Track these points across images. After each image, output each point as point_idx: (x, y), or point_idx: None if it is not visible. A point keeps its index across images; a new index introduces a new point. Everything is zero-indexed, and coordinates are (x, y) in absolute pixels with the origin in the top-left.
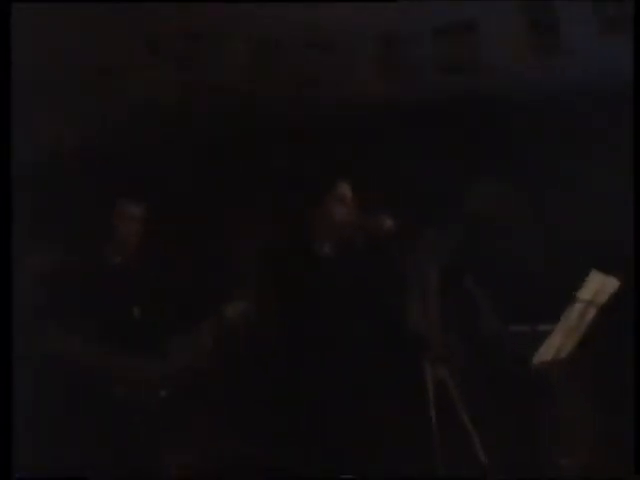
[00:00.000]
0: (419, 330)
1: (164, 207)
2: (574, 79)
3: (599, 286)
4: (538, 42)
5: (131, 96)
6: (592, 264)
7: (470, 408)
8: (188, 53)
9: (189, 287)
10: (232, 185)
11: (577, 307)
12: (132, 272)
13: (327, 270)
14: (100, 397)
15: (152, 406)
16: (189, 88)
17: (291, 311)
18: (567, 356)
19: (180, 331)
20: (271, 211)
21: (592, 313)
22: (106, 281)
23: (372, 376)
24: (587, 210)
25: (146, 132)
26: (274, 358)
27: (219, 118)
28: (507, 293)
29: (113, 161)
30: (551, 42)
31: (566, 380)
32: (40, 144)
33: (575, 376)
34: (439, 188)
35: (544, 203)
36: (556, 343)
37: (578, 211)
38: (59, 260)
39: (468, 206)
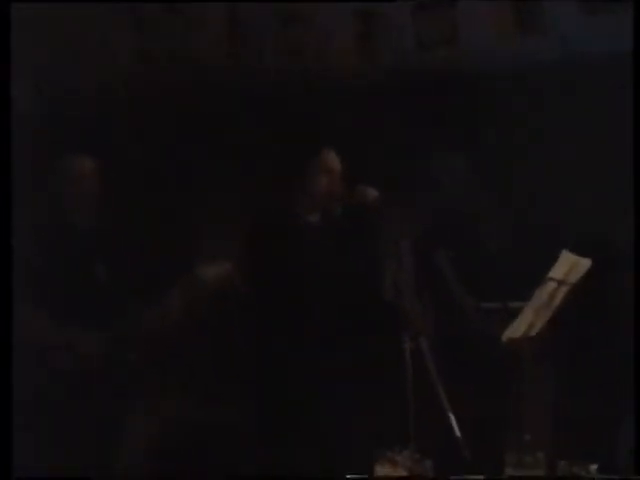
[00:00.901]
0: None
1: (146, 170)
2: (553, 58)
3: (570, 266)
4: (519, 19)
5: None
6: (564, 244)
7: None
8: (169, 24)
9: (161, 249)
10: (215, 152)
11: (548, 286)
12: (96, 232)
13: (310, 238)
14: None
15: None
16: (170, 58)
17: (271, 278)
18: (537, 334)
19: (149, 292)
20: (255, 179)
21: (563, 292)
22: (69, 242)
23: (350, 347)
24: (560, 191)
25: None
26: (250, 324)
27: (204, 86)
28: (479, 270)
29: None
30: (532, 20)
31: (534, 357)
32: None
33: (543, 354)
34: (412, 161)
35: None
36: (526, 321)
37: (550, 190)
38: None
39: (437, 180)
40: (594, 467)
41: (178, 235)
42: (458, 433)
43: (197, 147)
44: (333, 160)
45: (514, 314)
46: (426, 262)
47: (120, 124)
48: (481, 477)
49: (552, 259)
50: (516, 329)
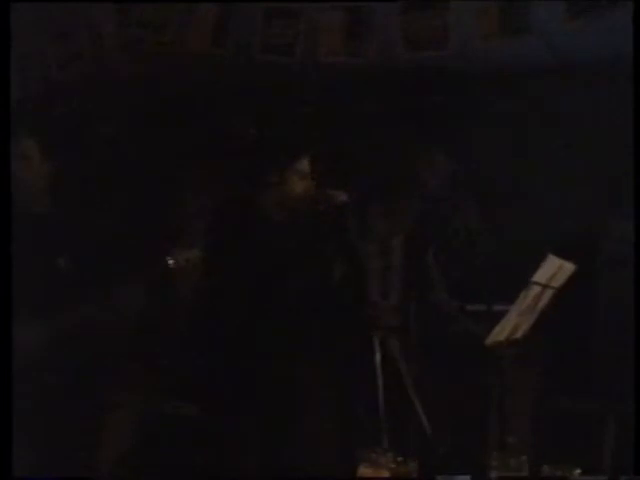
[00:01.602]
0: (370, 302)
1: (118, 159)
2: (539, 60)
3: (555, 270)
4: (506, 21)
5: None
6: (550, 247)
7: (420, 382)
8: (153, 17)
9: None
10: (191, 144)
11: (533, 289)
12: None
13: (278, 236)
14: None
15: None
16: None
17: (237, 274)
18: (521, 337)
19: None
20: (224, 173)
21: (548, 296)
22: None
23: (318, 345)
24: (545, 193)
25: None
26: (217, 321)
27: (182, 81)
28: (464, 272)
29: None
30: (518, 22)
31: (518, 360)
32: None
33: (527, 357)
34: (398, 160)
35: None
36: (511, 324)
37: (535, 192)
38: None
39: (424, 180)
40: (578, 471)
41: (147, 224)
42: (429, 431)
43: (173, 139)
44: (305, 164)
45: (498, 317)
46: (414, 263)
47: (95, 113)
48: (467, 477)
49: (537, 262)
50: (500, 332)
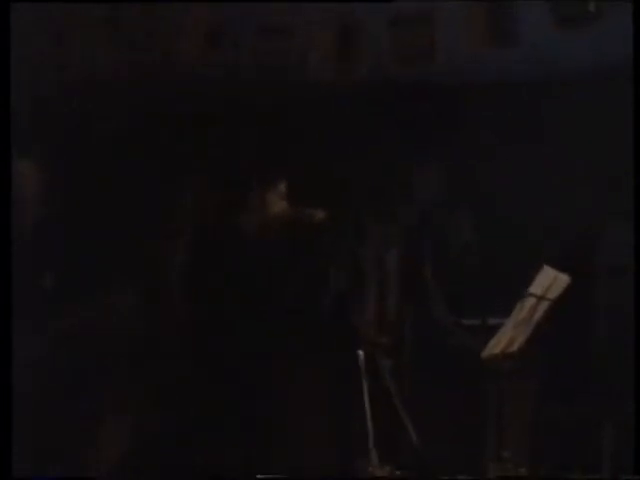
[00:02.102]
0: (356, 319)
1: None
2: (527, 70)
3: (550, 282)
4: (494, 33)
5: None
6: (547, 258)
7: (414, 397)
8: (145, 33)
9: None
10: (173, 158)
11: (528, 302)
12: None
13: (255, 253)
14: None
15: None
16: (143, 66)
17: (221, 296)
18: (517, 350)
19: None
20: (207, 189)
21: (543, 308)
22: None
23: (309, 361)
24: (541, 205)
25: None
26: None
27: (171, 98)
28: (460, 286)
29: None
30: (507, 33)
31: (513, 374)
32: None
33: (523, 370)
34: (392, 174)
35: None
36: (506, 337)
37: (531, 204)
38: None
39: (418, 194)
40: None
41: (128, 234)
42: (415, 439)
43: (156, 151)
44: (283, 185)
45: (494, 331)
46: (411, 277)
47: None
48: (470, 478)
49: (532, 274)
50: (496, 345)
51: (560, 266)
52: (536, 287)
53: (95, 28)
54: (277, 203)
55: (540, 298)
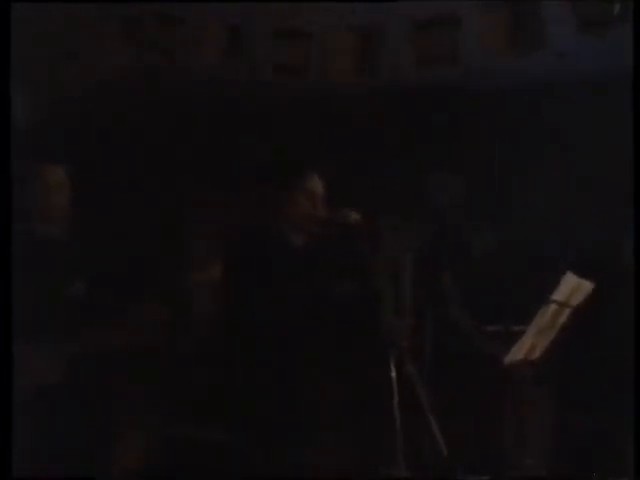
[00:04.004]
0: (387, 324)
1: (131, 183)
2: (552, 76)
3: (573, 288)
4: (517, 37)
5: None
6: (568, 266)
7: (437, 405)
8: (160, 38)
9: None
10: (201, 169)
11: (550, 308)
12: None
13: (294, 260)
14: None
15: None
16: (160, 72)
17: (254, 298)
18: (539, 356)
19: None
20: (239, 196)
21: (565, 315)
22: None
23: (336, 371)
24: (561, 210)
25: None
26: (233, 342)
27: (193, 104)
28: (481, 292)
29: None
30: (530, 38)
31: (535, 380)
32: None
33: (545, 377)
34: (410, 180)
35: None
36: (528, 343)
37: (551, 210)
38: None
39: (437, 200)
40: None
41: (162, 249)
42: (447, 455)
43: (183, 160)
44: (316, 183)
45: (516, 337)
46: (430, 282)
47: (106, 134)
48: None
49: (555, 281)
50: (518, 351)
51: (582, 272)
52: (559, 293)
53: (110, 28)
54: (307, 204)
55: (563, 304)
